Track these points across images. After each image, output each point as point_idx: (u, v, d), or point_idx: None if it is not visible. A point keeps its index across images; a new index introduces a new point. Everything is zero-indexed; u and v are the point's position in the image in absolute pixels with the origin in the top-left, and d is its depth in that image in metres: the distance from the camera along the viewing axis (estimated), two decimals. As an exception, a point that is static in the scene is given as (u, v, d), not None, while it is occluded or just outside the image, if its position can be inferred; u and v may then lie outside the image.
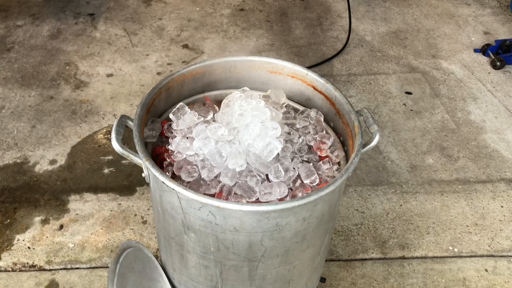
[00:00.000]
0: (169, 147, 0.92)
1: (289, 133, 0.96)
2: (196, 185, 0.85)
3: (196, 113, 0.96)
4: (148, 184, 1.03)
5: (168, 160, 0.90)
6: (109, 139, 1.66)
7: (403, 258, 1.33)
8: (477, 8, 2.61)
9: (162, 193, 0.83)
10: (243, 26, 2.37)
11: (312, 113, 1.00)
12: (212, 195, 0.83)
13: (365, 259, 1.32)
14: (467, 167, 1.63)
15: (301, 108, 1.06)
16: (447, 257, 1.33)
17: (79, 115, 1.78)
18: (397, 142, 1.72)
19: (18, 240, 1.33)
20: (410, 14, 2.54)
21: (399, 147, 1.70)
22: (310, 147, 0.97)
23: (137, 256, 1.00)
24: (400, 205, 1.48)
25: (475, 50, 2.24)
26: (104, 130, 1.72)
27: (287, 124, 0.99)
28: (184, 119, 0.94)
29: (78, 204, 1.44)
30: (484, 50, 2.20)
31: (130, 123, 0.90)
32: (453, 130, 1.79)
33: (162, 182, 0.77)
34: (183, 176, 0.85)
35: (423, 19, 2.49)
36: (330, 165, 0.92)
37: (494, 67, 2.12)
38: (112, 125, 0.92)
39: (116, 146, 0.84)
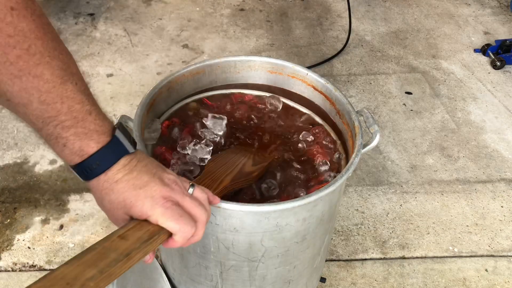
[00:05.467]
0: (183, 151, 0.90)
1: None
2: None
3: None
4: (148, 184, 1.03)
5: (173, 160, 0.90)
6: (109, 139, 1.66)
7: (403, 258, 1.33)
8: (477, 8, 2.61)
9: (162, 193, 0.83)
10: (243, 26, 2.37)
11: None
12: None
13: (365, 259, 1.32)
14: (467, 167, 1.63)
15: (301, 108, 1.06)
16: (447, 257, 1.33)
17: (79, 115, 1.78)
18: (397, 142, 1.72)
19: (18, 240, 1.33)
20: (410, 14, 2.54)
21: (399, 147, 1.70)
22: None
23: (137, 256, 1.00)
24: (400, 205, 1.48)
25: (475, 50, 2.24)
26: (104, 130, 1.72)
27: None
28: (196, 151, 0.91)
29: (78, 204, 1.44)
30: (484, 50, 2.20)
31: (130, 123, 0.90)
32: (453, 130, 1.79)
33: (162, 182, 0.77)
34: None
35: (423, 19, 2.49)
36: (329, 165, 0.92)
37: (494, 67, 2.12)
38: (112, 125, 0.92)
39: (116, 146, 0.84)
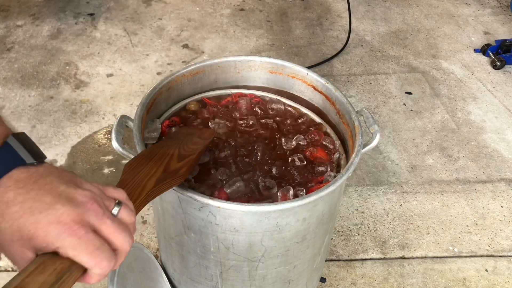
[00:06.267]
0: None
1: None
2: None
3: None
4: (148, 184, 1.03)
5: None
6: (109, 139, 1.66)
7: (403, 258, 1.33)
8: (477, 8, 2.61)
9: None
10: (243, 26, 2.37)
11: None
12: (213, 195, 0.83)
13: (365, 259, 1.32)
14: (467, 167, 1.63)
15: (301, 108, 1.06)
16: (447, 257, 1.33)
17: (79, 115, 1.78)
18: (397, 142, 1.72)
19: (18, 240, 1.33)
20: (410, 14, 2.54)
21: (399, 147, 1.70)
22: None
23: (137, 256, 1.00)
24: (400, 205, 1.48)
25: (475, 50, 2.24)
26: (104, 130, 1.72)
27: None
28: None
29: (78, 204, 1.44)
30: (484, 50, 2.20)
31: (130, 123, 0.90)
32: (453, 130, 1.79)
33: (162, 182, 0.77)
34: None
35: (423, 19, 2.49)
36: (329, 166, 0.92)
37: (494, 67, 2.12)
38: (112, 125, 0.92)
39: (116, 146, 0.84)
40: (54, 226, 0.43)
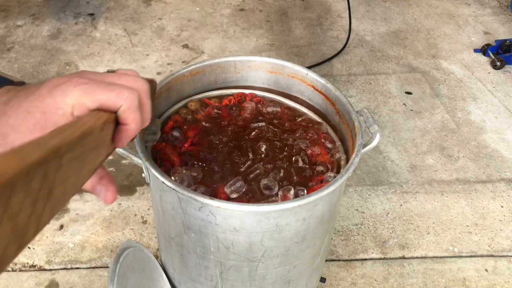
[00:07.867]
0: None
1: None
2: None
3: None
4: (148, 184, 1.03)
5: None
6: (109, 139, 1.66)
7: (403, 258, 1.33)
8: (477, 8, 2.61)
9: (162, 193, 0.83)
10: (243, 26, 2.37)
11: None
12: (213, 195, 0.83)
13: (365, 259, 1.32)
14: (467, 167, 1.63)
15: (301, 108, 1.06)
16: (447, 257, 1.33)
17: (79, 115, 1.78)
18: (397, 142, 1.72)
19: (18, 240, 1.33)
20: (410, 14, 2.54)
21: (399, 147, 1.70)
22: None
23: (137, 256, 1.00)
24: (400, 205, 1.48)
25: (475, 50, 2.24)
26: (104, 130, 1.72)
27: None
28: None
29: (78, 204, 1.44)
30: (484, 50, 2.20)
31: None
32: (453, 130, 1.79)
33: (162, 182, 0.77)
34: None
35: (423, 19, 2.49)
36: (329, 166, 0.92)
37: (494, 67, 2.12)
38: (112, 125, 0.92)
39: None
40: (55, 90, 0.40)
